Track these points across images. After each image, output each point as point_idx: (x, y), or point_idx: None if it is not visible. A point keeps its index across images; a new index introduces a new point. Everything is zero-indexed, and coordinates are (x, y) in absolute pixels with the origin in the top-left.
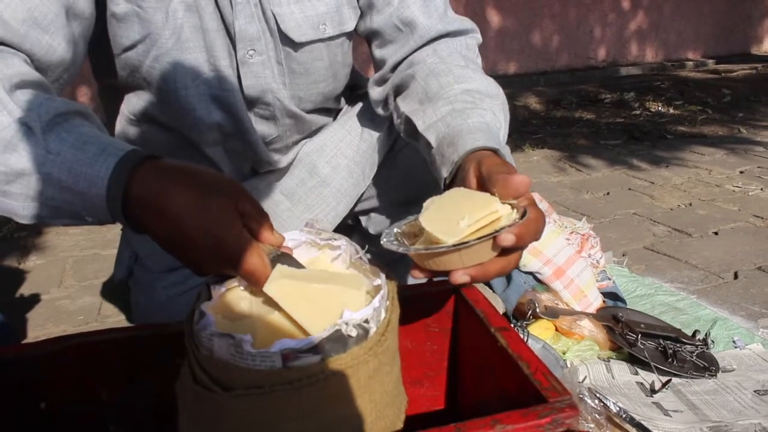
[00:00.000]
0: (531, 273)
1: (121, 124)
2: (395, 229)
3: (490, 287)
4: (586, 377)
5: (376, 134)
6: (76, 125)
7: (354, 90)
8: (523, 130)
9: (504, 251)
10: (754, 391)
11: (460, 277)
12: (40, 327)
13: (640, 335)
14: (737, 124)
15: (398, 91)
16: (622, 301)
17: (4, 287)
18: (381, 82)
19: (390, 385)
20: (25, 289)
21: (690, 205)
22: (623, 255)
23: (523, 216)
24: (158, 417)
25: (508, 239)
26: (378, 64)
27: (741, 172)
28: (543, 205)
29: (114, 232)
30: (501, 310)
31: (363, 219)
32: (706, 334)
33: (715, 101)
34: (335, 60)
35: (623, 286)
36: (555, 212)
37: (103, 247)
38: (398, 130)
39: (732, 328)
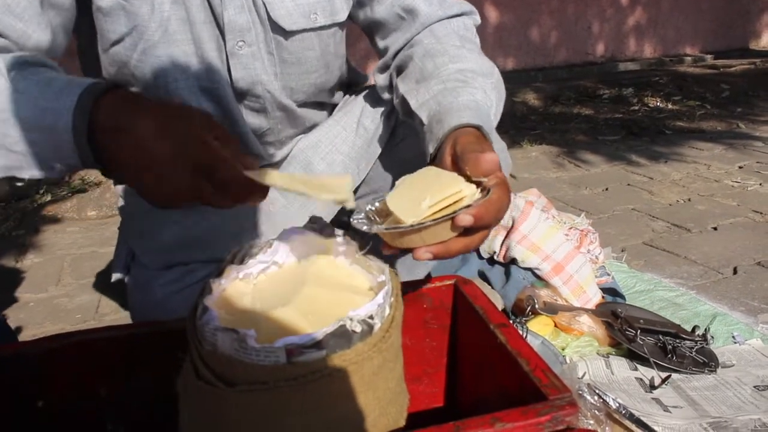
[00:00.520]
0: (530, 269)
1: None
2: (368, 207)
3: (489, 283)
4: (585, 373)
5: (371, 130)
6: (41, 71)
7: (350, 86)
8: (522, 126)
9: (466, 230)
10: (754, 387)
11: (422, 254)
12: (38, 325)
13: (639, 331)
14: (736, 119)
15: (398, 72)
16: (621, 296)
17: (1, 286)
18: (384, 68)
19: (393, 382)
20: (23, 288)
21: (689, 200)
22: (622, 250)
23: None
24: (156, 414)
25: (465, 220)
26: (381, 53)
27: (740, 167)
28: (541, 201)
29: (112, 230)
30: (500, 306)
31: None
32: (705, 329)
33: (713, 96)
34: (327, 50)
35: (622, 282)
36: (554, 208)
37: (101, 245)
38: (397, 111)
39: (731, 324)
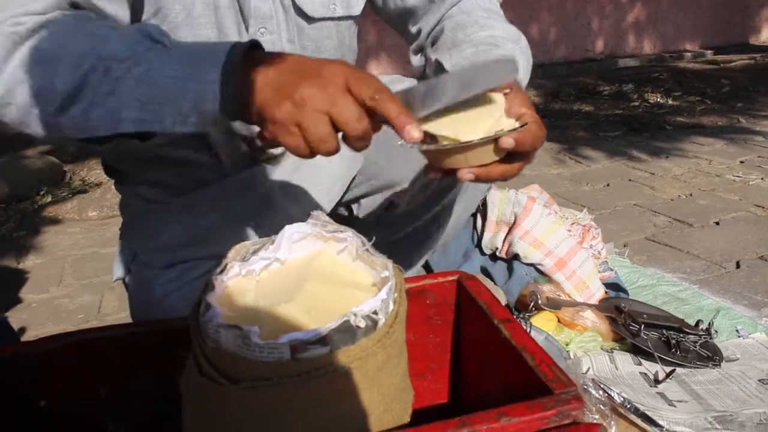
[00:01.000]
0: (533, 265)
1: None
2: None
3: (492, 279)
4: (589, 368)
5: None
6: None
7: None
8: None
9: (507, 157)
10: (758, 380)
11: (465, 174)
12: (39, 326)
13: (643, 326)
14: (736, 114)
15: (432, 46)
16: (624, 291)
17: (3, 287)
18: (418, 50)
19: (398, 377)
20: (25, 289)
21: (690, 195)
22: (624, 246)
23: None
24: (157, 414)
25: (507, 142)
26: (413, 37)
27: (741, 162)
28: (543, 196)
29: (113, 230)
30: (503, 302)
31: (354, 207)
32: (709, 323)
33: (713, 92)
34: (343, 42)
35: (625, 277)
36: (555, 204)
37: (102, 246)
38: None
39: (735, 318)
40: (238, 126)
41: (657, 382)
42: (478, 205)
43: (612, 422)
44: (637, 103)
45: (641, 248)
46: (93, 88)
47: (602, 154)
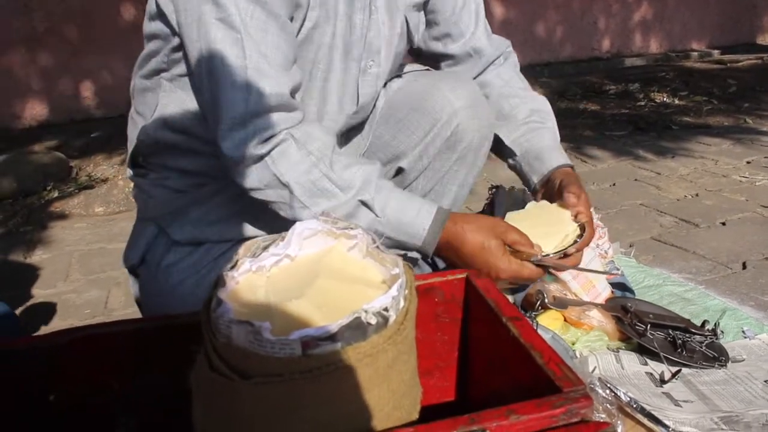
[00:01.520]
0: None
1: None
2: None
3: None
4: (595, 368)
5: (376, 108)
6: (385, 183)
7: None
8: None
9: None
10: (765, 381)
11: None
12: (47, 321)
13: (649, 325)
14: (743, 114)
15: None
16: (631, 291)
17: (10, 282)
18: None
19: (407, 374)
20: (32, 284)
21: (697, 195)
22: (630, 246)
23: (582, 230)
24: (167, 408)
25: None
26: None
27: (748, 162)
28: None
29: (120, 226)
30: (510, 301)
31: None
32: (715, 324)
33: (720, 91)
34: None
35: (631, 277)
36: None
37: (109, 241)
38: None
39: (741, 318)
40: None
41: (663, 382)
42: (485, 205)
43: (618, 421)
44: (643, 103)
45: (647, 248)
46: None
47: (608, 154)
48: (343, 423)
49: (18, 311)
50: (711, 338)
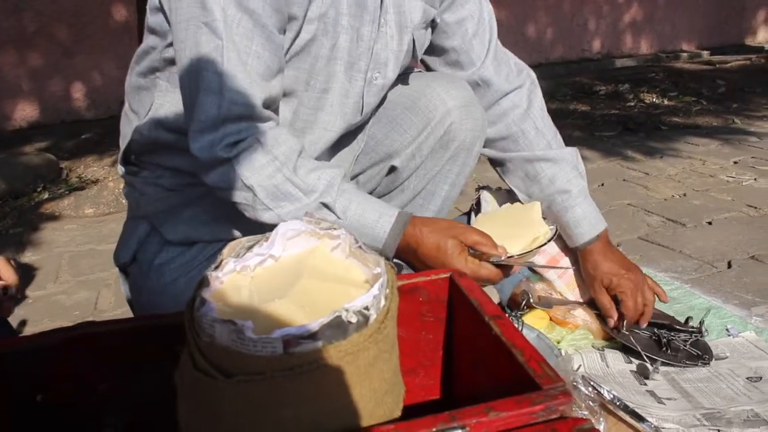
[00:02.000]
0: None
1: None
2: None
3: None
4: (580, 366)
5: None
6: (348, 187)
7: None
8: None
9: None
10: (747, 378)
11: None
12: (35, 323)
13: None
14: (731, 114)
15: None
16: None
17: None
18: None
19: (389, 372)
20: (21, 285)
21: (684, 195)
22: (618, 245)
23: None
24: (156, 408)
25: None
26: None
27: (735, 163)
28: None
29: (110, 227)
30: (495, 301)
31: (360, 178)
32: (700, 322)
33: (709, 92)
34: None
35: None
36: None
37: (99, 242)
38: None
39: (725, 317)
40: None
41: (644, 377)
42: (472, 205)
43: (601, 419)
44: (633, 103)
45: (635, 248)
46: None
47: (597, 154)
48: (325, 420)
49: None
50: (696, 336)
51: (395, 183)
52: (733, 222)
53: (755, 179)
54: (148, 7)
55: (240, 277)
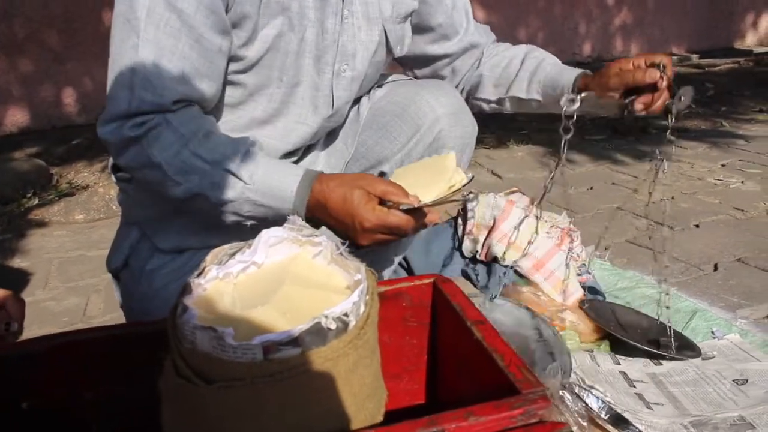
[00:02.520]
0: (511, 267)
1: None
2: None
3: (473, 282)
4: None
5: (351, 113)
6: (254, 155)
7: None
8: (509, 126)
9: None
10: (733, 381)
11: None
12: (25, 329)
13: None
14: (720, 117)
15: (472, 92)
16: (601, 295)
17: None
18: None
19: (370, 378)
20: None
21: (672, 198)
22: (606, 249)
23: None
24: (143, 415)
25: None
26: (444, 75)
27: (723, 166)
28: (524, 200)
29: (100, 233)
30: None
31: None
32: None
33: (698, 95)
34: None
35: (605, 280)
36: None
37: (89, 249)
38: (486, 109)
39: (711, 319)
40: None
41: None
42: (459, 209)
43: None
44: None
45: (622, 251)
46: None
47: (587, 158)
48: (305, 426)
49: None
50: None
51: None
52: (720, 225)
53: (742, 182)
54: None
55: (223, 284)
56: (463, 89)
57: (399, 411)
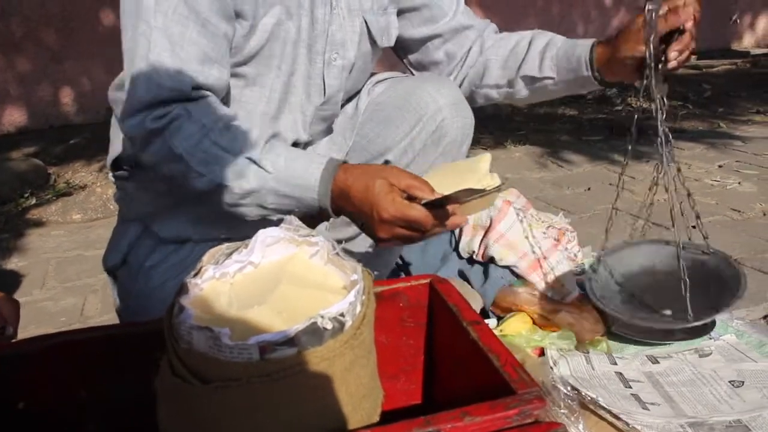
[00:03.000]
0: (508, 267)
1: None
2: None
3: (470, 283)
4: (567, 369)
5: (349, 108)
6: (275, 144)
7: None
8: (507, 127)
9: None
10: (729, 382)
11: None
12: (22, 329)
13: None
14: (717, 118)
15: (478, 80)
16: None
17: None
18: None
19: (366, 378)
20: (7, 292)
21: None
22: (602, 249)
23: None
24: (138, 415)
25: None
26: (438, 59)
27: (719, 166)
28: (521, 200)
29: (97, 233)
30: (480, 305)
31: None
32: None
33: (695, 96)
34: (372, 65)
35: None
36: (533, 208)
37: (86, 248)
38: (497, 96)
39: None
40: None
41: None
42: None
43: (580, 417)
44: (620, 108)
45: None
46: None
47: (584, 158)
48: (302, 425)
49: None
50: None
51: None
52: (716, 225)
53: (739, 183)
54: None
55: (219, 284)
56: (465, 78)
57: (395, 411)
